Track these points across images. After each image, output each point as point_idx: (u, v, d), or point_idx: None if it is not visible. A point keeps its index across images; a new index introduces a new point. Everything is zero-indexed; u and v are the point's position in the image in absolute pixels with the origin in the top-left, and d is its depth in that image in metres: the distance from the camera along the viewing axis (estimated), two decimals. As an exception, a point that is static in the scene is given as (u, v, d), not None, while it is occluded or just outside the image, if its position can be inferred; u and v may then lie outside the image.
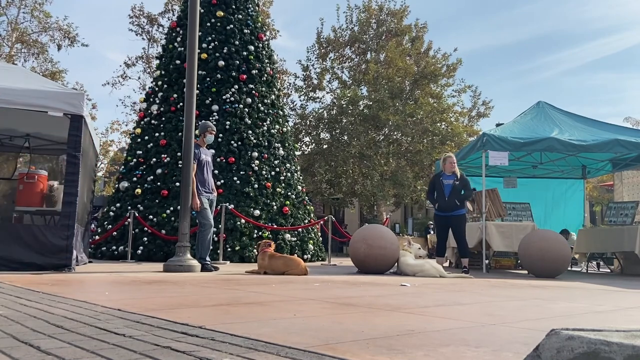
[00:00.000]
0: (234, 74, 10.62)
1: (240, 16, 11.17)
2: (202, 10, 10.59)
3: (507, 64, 61.30)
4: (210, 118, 10.00)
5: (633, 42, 60.95)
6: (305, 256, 9.97)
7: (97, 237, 9.78)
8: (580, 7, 68.76)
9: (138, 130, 10.65)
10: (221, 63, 10.57)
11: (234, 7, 11.18)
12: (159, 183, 9.70)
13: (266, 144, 10.52)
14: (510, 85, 62.71)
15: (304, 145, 20.81)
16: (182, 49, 10.48)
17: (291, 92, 21.95)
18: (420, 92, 19.87)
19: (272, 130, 10.79)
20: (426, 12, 59.03)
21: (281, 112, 11.47)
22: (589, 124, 9.09)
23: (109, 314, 2.48)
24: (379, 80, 19.42)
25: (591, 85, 67.79)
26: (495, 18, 64.78)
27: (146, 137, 10.33)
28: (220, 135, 9.97)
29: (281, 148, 10.83)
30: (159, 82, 10.82)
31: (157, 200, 9.53)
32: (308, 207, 11.14)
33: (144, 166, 10.02)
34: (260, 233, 9.51)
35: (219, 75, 10.52)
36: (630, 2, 62.42)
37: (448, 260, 9.80)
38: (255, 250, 8.64)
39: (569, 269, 9.56)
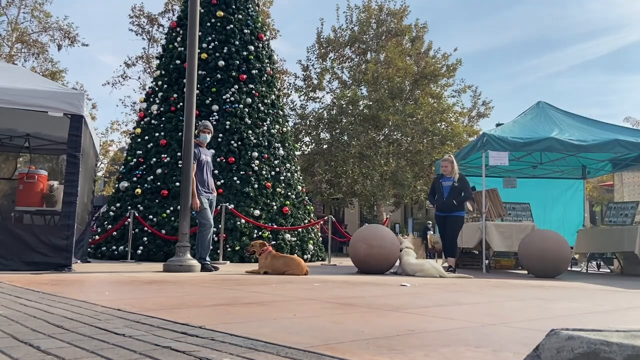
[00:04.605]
0: (234, 74, 10.62)
1: (240, 16, 11.18)
2: (202, 10, 10.59)
3: (506, 64, 61.33)
4: (210, 118, 10.00)
5: (632, 41, 61.00)
6: (305, 256, 9.97)
7: (97, 237, 9.78)
8: (579, 7, 68.81)
9: (138, 130, 10.65)
10: (221, 63, 10.57)
11: (234, 7, 11.18)
12: (159, 183, 9.70)
13: (266, 144, 10.53)
14: (510, 85, 62.73)
15: (304, 145, 20.80)
16: (182, 49, 10.49)
17: (291, 92, 21.96)
18: (420, 92, 19.87)
19: (272, 130, 10.79)
20: (426, 12, 59.07)
21: (281, 112, 11.47)
22: (589, 124, 9.09)
23: (109, 314, 2.48)
24: (379, 80, 19.42)
25: (590, 85, 67.83)
26: (496, 18, 64.81)
27: (146, 137, 10.33)
28: (220, 135, 9.97)
29: (281, 148, 10.84)
30: (159, 82, 10.83)
31: (157, 200, 9.53)
32: (308, 207, 11.14)
33: (144, 166, 10.02)
34: (260, 233, 9.51)
35: (219, 75, 10.52)
36: (630, 2, 62.47)
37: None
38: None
39: (569, 269, 9.56)
